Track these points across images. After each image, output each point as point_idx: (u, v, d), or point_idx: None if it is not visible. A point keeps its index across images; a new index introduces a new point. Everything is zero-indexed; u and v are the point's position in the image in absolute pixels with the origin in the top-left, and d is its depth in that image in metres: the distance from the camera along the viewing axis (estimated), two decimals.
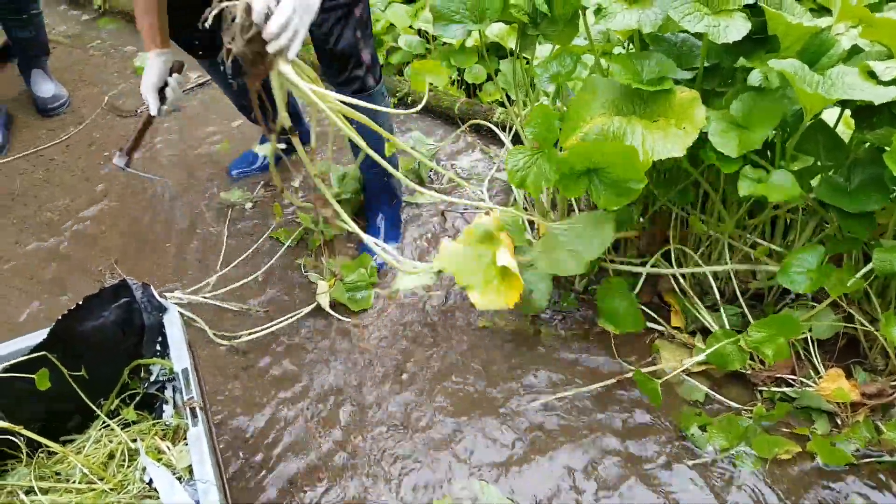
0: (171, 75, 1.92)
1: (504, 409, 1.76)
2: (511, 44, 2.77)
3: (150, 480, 1.15)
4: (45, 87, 2.95)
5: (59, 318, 1.30)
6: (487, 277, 1.75)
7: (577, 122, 1.48)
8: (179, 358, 1.30)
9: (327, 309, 2.01)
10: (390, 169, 1.62)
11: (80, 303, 1.31)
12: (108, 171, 2.60)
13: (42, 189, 2.58)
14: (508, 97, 2.80)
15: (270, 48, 1.27)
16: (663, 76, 1.47)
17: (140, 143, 2.07)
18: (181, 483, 1.19)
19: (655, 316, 1.89)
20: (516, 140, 2.31)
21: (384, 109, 1.61)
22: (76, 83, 3.09)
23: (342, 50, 1.80)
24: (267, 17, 1.25)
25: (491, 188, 2.38)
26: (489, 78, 2.86)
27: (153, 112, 1.92)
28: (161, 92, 1.92)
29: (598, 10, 1.43)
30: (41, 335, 1.30)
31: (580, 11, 1.62)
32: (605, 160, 1.41)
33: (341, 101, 1.40)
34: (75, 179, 2.60)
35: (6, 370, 1.28)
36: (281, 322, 1.97)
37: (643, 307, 1.87)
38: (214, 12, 1.26)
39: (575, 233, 1.57)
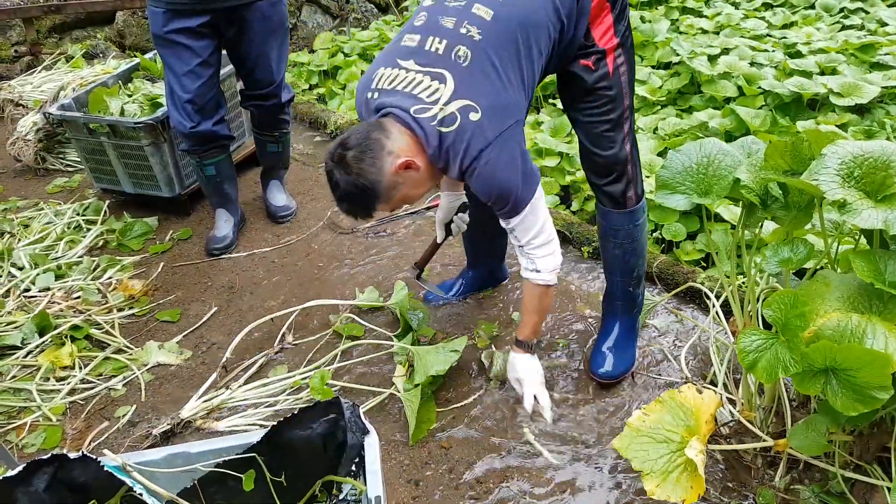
0: (457, 214, 2.33)
1: None
2: (721, 211, 2.75)
3: None
4: (279, 197, 3.32)
5: (275, 423, 1.39)
6: (668, 467, 1.68)
7: (810, 314, 1.41)
8: (374, 484, 1.33)
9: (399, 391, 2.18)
10: None
11: (296, 412, 1.40)
12: (320, 280, 2.83)
13: (260, 287, 2.85)
14: (708, 261, 2.75)
15: None
16: None
17: (428, 260, 2.51)
18: None
19: None
20: (724, 308, 2.24)
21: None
22: (304, 197, 3.45)
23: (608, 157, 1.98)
24: None
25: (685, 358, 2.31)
26: (688, 237, 2.84)
27: (439, 240, 2.39)
28: (447, 226, 2.34)
29: (843, 205, 1.39)
30: (257, 435, 1.39)
31: (816, 201, 1.58)
32: (849, 362, 1.32)
33: None
34: (291, 284, 2.84)
35: (221, 465, 1.38)
36: None
37: None
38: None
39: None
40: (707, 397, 1.69)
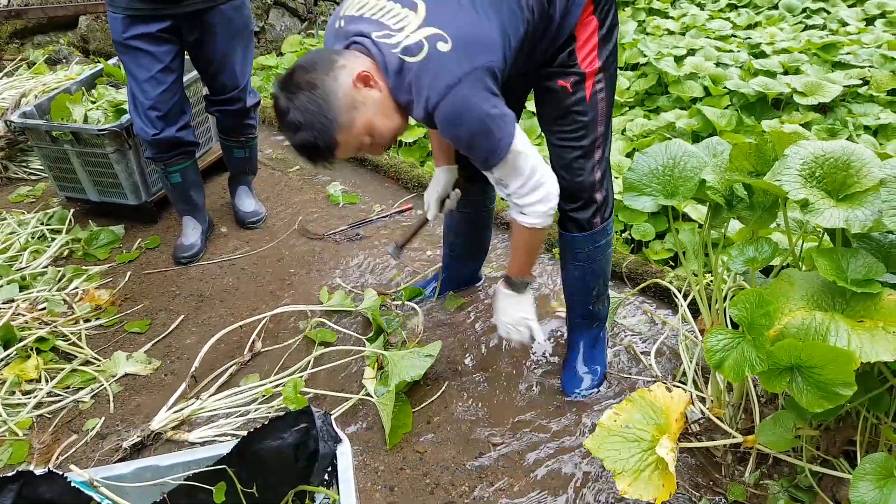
0: (453, 190, 2.22)
1: None
2: (688, 211, 2.79)
3: None
4: (247, 203, 3.28)
5: (245, 434, 1.38)
6: (639, 466, 1.70)
7: (775, 313, 1.43)
8: (347, 492, 1.32)
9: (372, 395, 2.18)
10: None
11: (266, 423, 1.39)
12: (291, 285, 2.81)
13: (230, 295, 2.82)
14: (676, 260, 2.78)
15: None
16: (870, 278, 1.41)
17: (412, 240, 2.41)
18: None
19: None
20: (692, 307, 2.27)
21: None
22: (274, 202, 3.42)
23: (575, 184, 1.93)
24: None
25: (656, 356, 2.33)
26: (657, 236, 2.87)
27: (430, 217, 2.25)
28: (441, 202, 2.22)
29: (805, 205, 1.41)
30: (227, 447, 1.38)
31: (780, 201, 1.61)
32: (814, 359, 1.34)
33: None
34: (261, 291, 2.82)
35: (191, 478, 1.36)
36: None
37: None
38: None
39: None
40: (677, 396, 1.71)
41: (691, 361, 2.13)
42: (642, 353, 2.36)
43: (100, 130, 2.97)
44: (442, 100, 1.57)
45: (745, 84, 3.79)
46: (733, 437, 1.84)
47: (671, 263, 2.80)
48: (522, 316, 2.06)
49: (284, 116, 1.59)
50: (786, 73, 4.02)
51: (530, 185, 1.76)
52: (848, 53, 4.17)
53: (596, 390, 2.23)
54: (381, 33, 1.60)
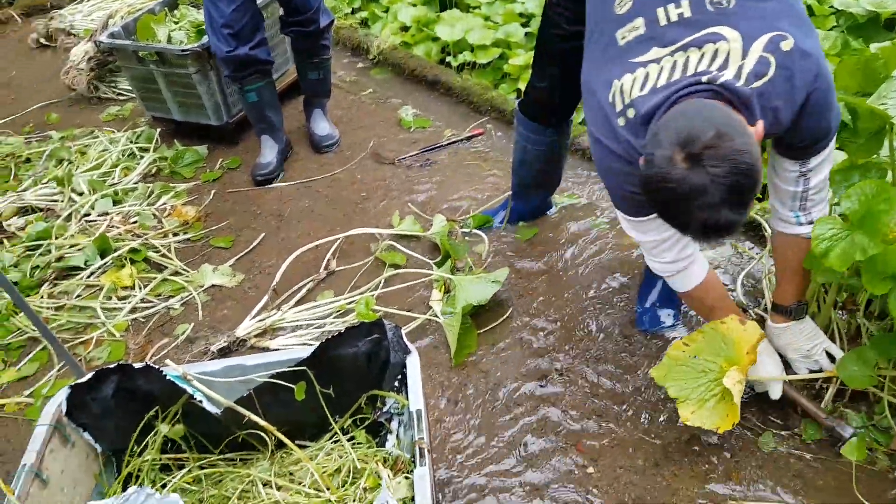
0: None
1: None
2: None
3: None
4: (322, 126, 3.36)
5: (323, 342, 1.49)
6: (704, 395, 1.73)
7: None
8: (415, 398, 1.42)
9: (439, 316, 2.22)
10: None
11: (342, 331, 1.49)
12: (364, 209, 2.91)
13: (306, 216, 2.94)
14: (765, 192, 2.70)
15: None
16: None
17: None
18: None
19: None
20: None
21: None
22: (347, 126, 3.49)
23: None
24: None
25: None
26: None
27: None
28: None
29: None
30: (306, 351, 1.49)
31: (888, 127, 1.55)
32: None
33: None
34: (335, 213, 2.93)
35: (274, 377, 1.48)
36: None
37: None
38: None
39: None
40: (750, 328, 1.70)
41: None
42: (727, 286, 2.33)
43: (182, 51, 3.07)
44: (812, 90, 1.44)
45: (855, 3, 3.52)
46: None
47: (758, 196, 2.70)
48: (815, 345, 1.84)
49: (709, 195, 1.30)
50: None
51: (827, 180, 1.61)
52: None
53: (670, 324, 2.23)
54: (709, 76, 1.40)
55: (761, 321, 1.98)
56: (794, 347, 1.86)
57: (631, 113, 1.48)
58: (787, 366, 1.90)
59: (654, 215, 1.64)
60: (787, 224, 1.71)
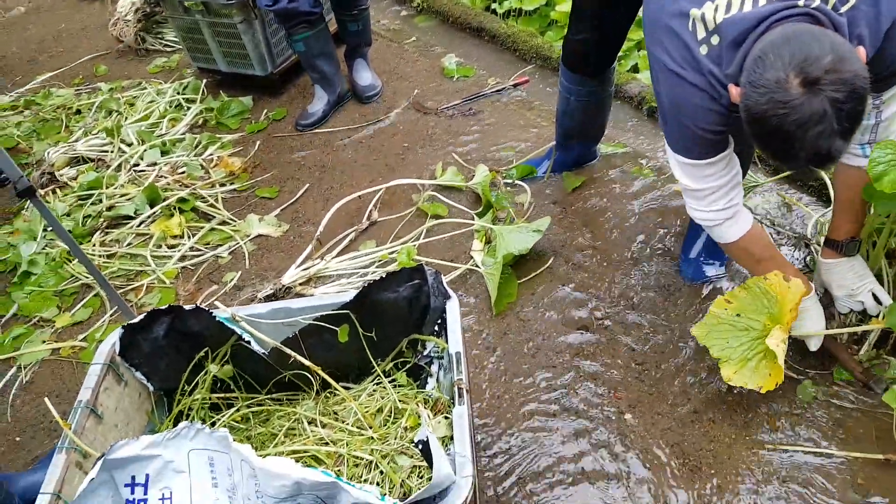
0: None
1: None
2: None
3: (419, 443, 1.29)
4: (364, 76, 3.35)
5: (365, 285, 1.51)
6: (747, 355, 1.71)
7: None
8: (454, 341, 1.44)
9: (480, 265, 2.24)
10: None
11: (384, 276, 1.51)
12: (406, 159, 2.91)
13: (349, 166, 2.95)
14: None
15: None
16: None
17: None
18: None
19: None
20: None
21: None
22: (390, 75, 3.47)
23: None
24: None
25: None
26: None
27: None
28: None
29: None
30: (349, 296, 1.52)
31: None
32: None
33: None
34: (377, 164, 2.93)
35: (318, 320, 1.52)
36: None
37: None
38: None
39: None
40: (794, 285, 1.65)
41: (820, 245, 2.06)
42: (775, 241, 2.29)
43: (227, 1, 3.08)
44: None
45: None
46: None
47: None
48: (862, 284, 1.80)
49: (825, 122, 1.27)
50: None
51: None
52: None
53: (715, 275, 2.20)
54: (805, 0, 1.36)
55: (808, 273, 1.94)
56: (840, 284, 1.83)
57: (716, 39, 1.44)
58: (832, 303, 1.88)
59: (719, 157, 1.63)
60: (851, 156, 1.66)
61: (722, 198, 1.72)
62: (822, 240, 1.90)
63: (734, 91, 1.39)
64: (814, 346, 1.81)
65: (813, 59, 1.24)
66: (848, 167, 1.68)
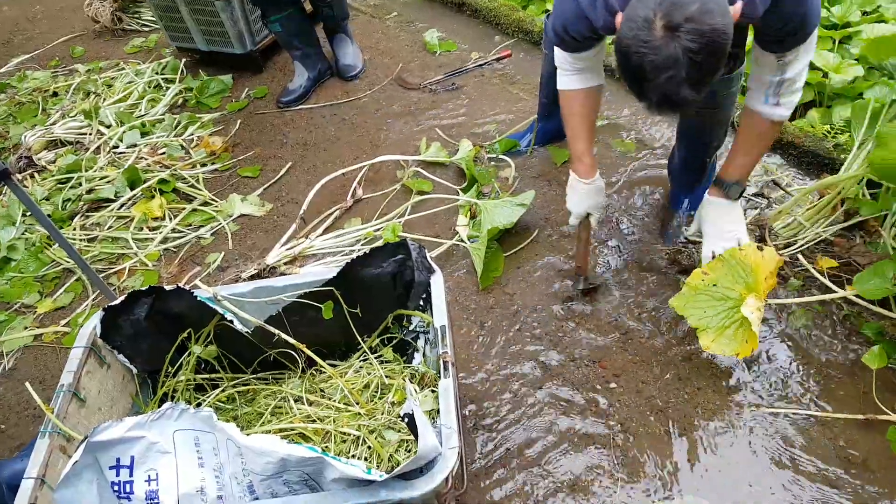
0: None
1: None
2: None
3: (405, 416, 1.29)
4: (347, 53, 3.30)
5: (349, 261, 1.49)
6: (724, 323, 1.74)
7: None
8: (440, 315, 1.43)
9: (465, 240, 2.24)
10: None
11: (368, 252, 1.50)
12: (389, 135, 2.88)
13: (332, 143, 2.92)
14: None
15: None
16: None
17: (587, 258, 2.11)
18: None
19: None
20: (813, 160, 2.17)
21: None
22: (372, 51, 3.43)
23: None
24: None
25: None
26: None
27: (573, 222, 2.02)
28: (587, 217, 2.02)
29: None
30: (333, 272, 1.50)
31: None
32: None
33: None
34: (361, 140, 2.90)
35: (302, 297, 1.50)
36: None
37: None
38: None
39: None
40: (768, 255, 1.70)
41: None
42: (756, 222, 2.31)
43: None
44: None
45: None
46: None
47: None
48: (732, 229, 1.83)
49: (672, 68, 1.31)
50: None
51: (806, 71, 1.61)
52: None
53: (693, 240, 2.19)
54: None
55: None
56: (714, 223, 1.86)
57: None
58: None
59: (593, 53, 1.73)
60: (755, 101, 1.70)
61: (580, 60, 1.77)
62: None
63: (619, 19, 1.42)
64: (571, 221, 1.99)
65: (679, 5, 1.27)
66: (752, 112, 1.72)
